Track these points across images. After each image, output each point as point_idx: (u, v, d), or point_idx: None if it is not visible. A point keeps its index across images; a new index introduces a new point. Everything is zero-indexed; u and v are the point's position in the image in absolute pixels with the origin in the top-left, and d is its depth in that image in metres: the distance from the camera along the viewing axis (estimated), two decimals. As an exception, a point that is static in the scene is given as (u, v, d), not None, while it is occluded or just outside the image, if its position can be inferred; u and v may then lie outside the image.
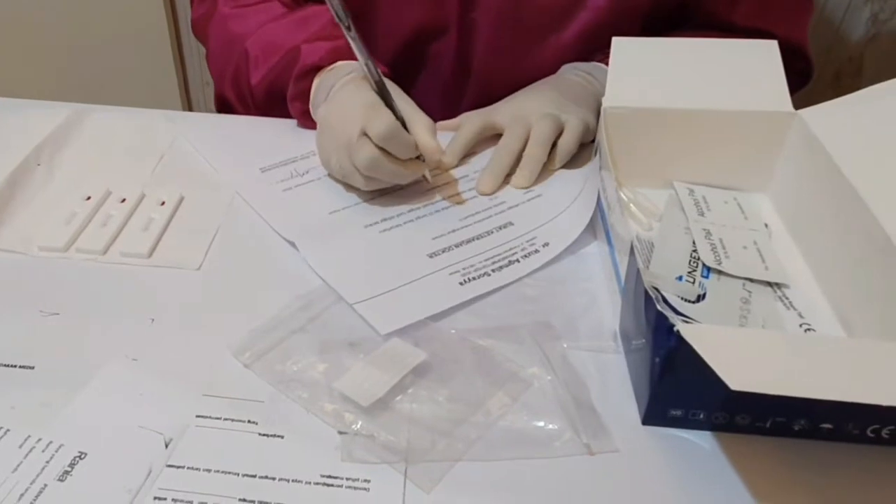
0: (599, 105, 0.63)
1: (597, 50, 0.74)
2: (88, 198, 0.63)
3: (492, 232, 0.61)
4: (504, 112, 0.70)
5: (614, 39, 0.62)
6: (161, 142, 0.72)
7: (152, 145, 0.72)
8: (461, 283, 0.55)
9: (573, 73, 0.73)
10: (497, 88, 0.74)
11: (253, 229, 0.61)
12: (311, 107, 0.70)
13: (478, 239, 0.60)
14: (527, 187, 0.65)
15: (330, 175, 0.67)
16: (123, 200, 0.63)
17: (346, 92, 0.63)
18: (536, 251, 0.59)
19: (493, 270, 0.57)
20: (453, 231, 0.61)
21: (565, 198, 0.64)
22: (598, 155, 0.62)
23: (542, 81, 0.73)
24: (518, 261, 0.58)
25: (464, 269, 0.57)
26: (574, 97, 0.69)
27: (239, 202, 0.64)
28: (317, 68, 0.69)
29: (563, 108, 0.68)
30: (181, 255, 0.59)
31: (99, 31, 1.55)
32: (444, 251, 0.58)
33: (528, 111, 0.68)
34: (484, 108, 0.71)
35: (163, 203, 0.63)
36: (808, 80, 0.80)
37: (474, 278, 0.56)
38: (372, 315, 0.52)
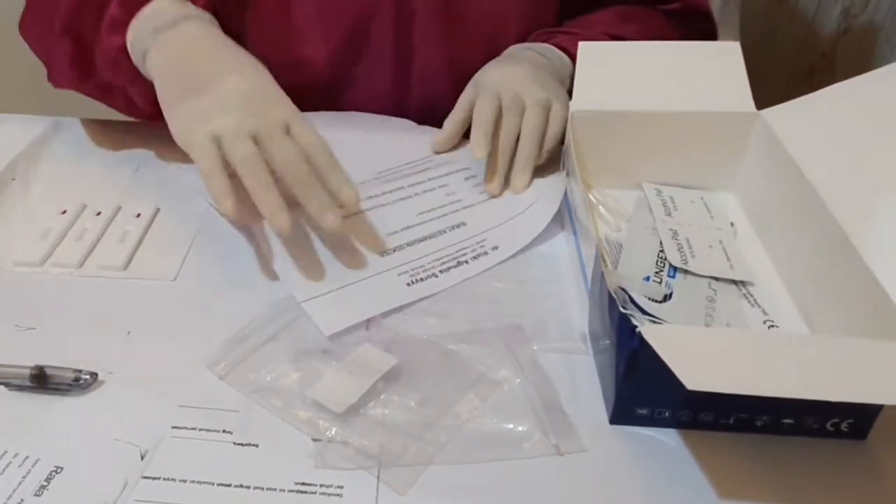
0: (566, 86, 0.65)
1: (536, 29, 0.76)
2: (64, 211, 0.63)
3: (444, 231, 0.61)
4: (499, 87, 0.67)
5: (581, 44, 0.64)
6: (135, 153, 0.73)
7: (127, 157, 0.72)
8: (409, 284, 0.56)
9: (544, 53, 0.73)
10: (441, 75, 0.74)
11: (228, 239, 0.62)
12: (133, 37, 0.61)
13: (430, 238, 0.60)
14: (524, 189, 0.65)
15: None
16: (99, 213, 0.64)
17: (231, 51, 0.59)
18: (486, 253, 0.59)
19: (440, 271, 0.57)
20: (407, 228, 0.61)
21: (521, 202, 0.64)
22: (564, 158, 0.63)
23: (522, 58, 0.71)
24: (467, 262, 0.58)
25: (413, 269, 0.57)
26: (553, 78, 0.69)
27: (214, 212, 0.65)
28: None
29: (549, 90, 0.66)
30: (157, 266, 0.59)
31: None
32: (395, 250, 0.59)
33: (523, 93, 0.66)
34: (481, 81, 0.69)
35: (138, 215, 0.64)
36: (715, 40, 0.82)
37: (422, 279, 0.57)
38: (318, 314, 0.53)
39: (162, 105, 0.58)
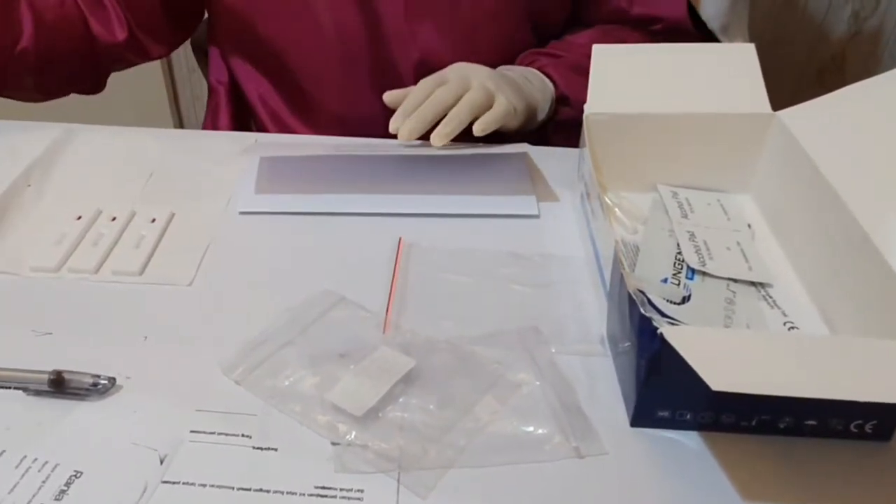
0: (530, 105, 0.69)
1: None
2: (79, 217, 0.64)
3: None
4: (451, 70, 0.70)
5: (595, 47, 0.64)
6: (150, 159, 0.73)
7: (141, 163, 0.72)
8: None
9: (526, 75, 0.74)
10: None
11: (243, 244, 0.62)
12: None
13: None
14: (439, 146, 0.64)
15: None
16: (114, 219, 0.64)
17: None
18: None
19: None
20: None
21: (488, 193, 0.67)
22: (579, 161, 0.62)
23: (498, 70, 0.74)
24: None
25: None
26: (514, 87, 0.70)
27: (229, 217, 0.65)
28: None
29: (500, 88, 0.67)
30: (172, 271, 0.59)
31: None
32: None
33: (472, 76, 0.67)
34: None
35: (153, 220, 0.64)
36: None
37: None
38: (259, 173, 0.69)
39: None
